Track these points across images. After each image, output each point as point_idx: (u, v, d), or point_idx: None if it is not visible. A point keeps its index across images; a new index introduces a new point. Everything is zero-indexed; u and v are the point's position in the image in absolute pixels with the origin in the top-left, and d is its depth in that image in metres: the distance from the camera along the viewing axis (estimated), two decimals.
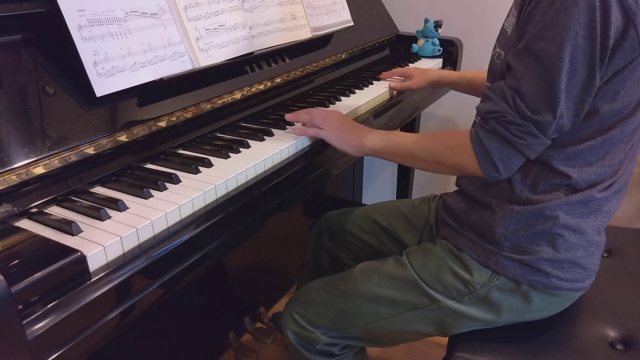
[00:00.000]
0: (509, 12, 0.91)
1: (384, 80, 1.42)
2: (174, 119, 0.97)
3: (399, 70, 1.43)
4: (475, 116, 0.90)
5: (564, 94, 0.76)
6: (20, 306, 0.56)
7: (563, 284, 0.87)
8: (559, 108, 0.76)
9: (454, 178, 1.03)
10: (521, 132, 0.80)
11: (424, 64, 1.67)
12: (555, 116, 0.77)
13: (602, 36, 0.73)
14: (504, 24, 0.93)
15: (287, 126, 1.08)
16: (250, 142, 0.99)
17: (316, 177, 1.05)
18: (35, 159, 0.75)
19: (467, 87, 1.32)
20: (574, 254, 0.87)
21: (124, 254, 0.68)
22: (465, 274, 0.91)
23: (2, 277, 0.53)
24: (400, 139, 0.97)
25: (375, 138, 0.98)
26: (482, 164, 0.85)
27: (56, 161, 0.78)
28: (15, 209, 0.72)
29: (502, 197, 0.90)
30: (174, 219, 0.76)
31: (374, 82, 1.42)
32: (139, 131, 0.90)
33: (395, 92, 1.39)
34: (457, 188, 1.03)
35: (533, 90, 0.78)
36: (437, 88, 1.44)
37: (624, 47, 0.75)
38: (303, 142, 1.03)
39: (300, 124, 1.07)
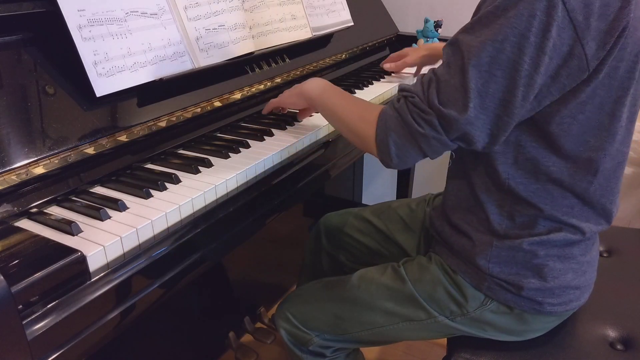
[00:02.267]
0: None
1: (386, 68, 1.47)
2: (174, 119, 0.97)
3: (394, 54, 1.48)
4: None
5: (476, 96, 0.70)
6: (20, 306, 0.57)
7: (556, 308, 0.86)
8: (467, 109, 0.70)
9: None
10: (422, 120, 0.74)
11: None
12: (461, 115, 0.71)
13: (535, 49, 0.67)
14: None
15: (287, 126, 1.08)
16: (250, 142, 0.99)
17: (316, 177, 1.05)
18: (35, 159, 0.75)
19: None
20: (563, 279, 0.85)
21: (124, 254, 0.68)
22: (459, 296, 0.90)
23: (2, 277, 0.53)
24: (333, 92, 0.95)
25: (315, 84, 0.98)
26: (377, 143, 0.80)
27: (56, 161, 0.78)
28: (15, 209, 0.72)
29: (481, 228, 0.87)
30: (174, 219, 0.76)
31: (373, 82, 1.42)
32: (139, 131, 0.90)
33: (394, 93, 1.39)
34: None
35: (448, 80, 0.72)
36: (430, 63, 1.45)
37: (569, 67, 0.68)
38: (303, 143, 1.03)
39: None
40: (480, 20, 0.71)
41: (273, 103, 1.11)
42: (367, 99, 1.26)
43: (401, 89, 0.80)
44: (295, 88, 1.04)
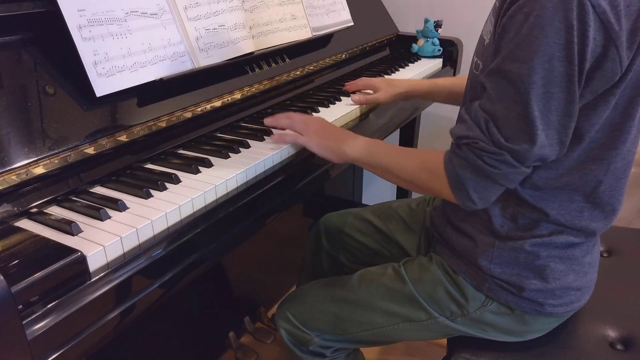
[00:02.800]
0: (487, 18, 0.83)
1: (349, 91, 1.28)
2: (174, 119, 0.96)
3: (364, 80, 1.28)
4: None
5: (540, 121, 0.70)
6: (20, 306, 0.56)
7: (557, 309, 0.86)
8: (536, 137, 0.70)
9: None
10: (495, 161, 0.73)
11: (423, 64, 1.67)
12: (533, 144, 0.71)
13: (579, 57, 0.67)
14: (482, 31, 0.85)
15: None
16: (250, 142, 0.99)
17: (316, 177, 1.04)
18: (35, 159, 0.75)
19: (440, 96, 1.23)
20: (564, 280, 0.85)
21: (124, 254, 0.68)
22: (460, 297, 0.90)
23: (2, 277, 0.53)
24: (381, 151, 0.91)
25: (357, 146, 0.93)
26: (455, 193, 0.79)
27: (56, 161, 0.78)
28: (15, 209, 0.72)
29: (483, 229, 0.87)
30: (174, 219, 0.76)
31: None
32: (139, 131, 0.90)
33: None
34: None
35: (507, 115, 0.71)
36: (408, 99, 1.29)
37: (603, 69, 0.69)
38: None
39: (280, 129, 1.01)
40: (518, 45, 0.69)
41: (289, 138, 0.98)
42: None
43: (457, 137, 0.78)
44: (327, 146, 0.94)
